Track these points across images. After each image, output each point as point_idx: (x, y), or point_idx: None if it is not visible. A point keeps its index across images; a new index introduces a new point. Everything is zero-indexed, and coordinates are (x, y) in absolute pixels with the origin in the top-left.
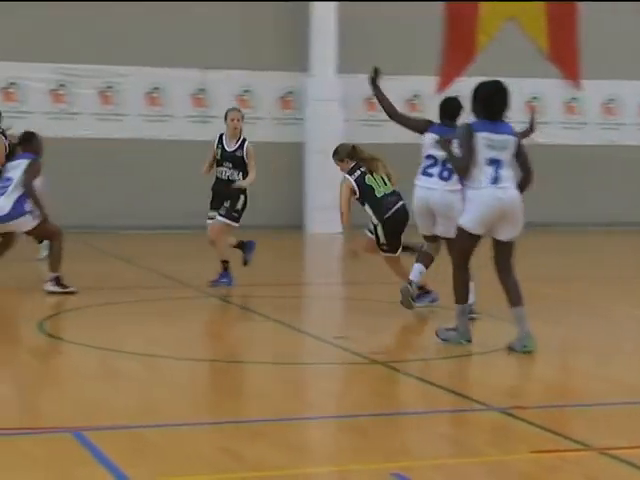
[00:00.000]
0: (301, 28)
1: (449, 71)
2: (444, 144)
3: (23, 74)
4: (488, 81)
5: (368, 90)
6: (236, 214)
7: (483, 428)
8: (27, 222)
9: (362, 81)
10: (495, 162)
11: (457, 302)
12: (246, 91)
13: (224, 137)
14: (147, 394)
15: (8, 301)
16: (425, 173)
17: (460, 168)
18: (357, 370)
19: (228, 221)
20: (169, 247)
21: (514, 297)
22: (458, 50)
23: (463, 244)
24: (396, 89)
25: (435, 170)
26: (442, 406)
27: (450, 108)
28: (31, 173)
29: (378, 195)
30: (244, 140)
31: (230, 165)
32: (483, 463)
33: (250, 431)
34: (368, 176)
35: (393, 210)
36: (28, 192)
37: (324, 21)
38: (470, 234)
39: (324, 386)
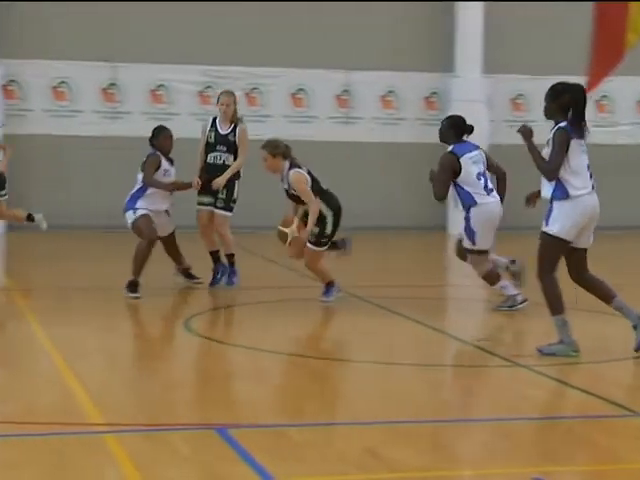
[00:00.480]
0: (446, 29)
1: (598, 71)
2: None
3: (171, 76)
4: (573, 84)
5: (513, 91)
6: (233, 204)
7: (630, 435)
8: (128, 218)
9: (507, 82)
10: (589, 167)
11: (554, 314)
12: (390, 92)
13: (217, 120)
14: (291, 393)
15: (157, 300)
16: (487, 189)
17: (549, 171)
18: (500, 373)
19: (228, 213)
20: None
21: (605, 292)
22: (607, 49)
23: (557, 252)
24: (541, 89)
25: (490, 184)
26: (587, 411)
27: (464, 125)
28: (147, 168)
29: (324, 187)
30: (237, 123)
31: (224, 149)
32: (627, 470)
33: (393, 432)
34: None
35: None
36: (150, 185)
37: (469, 22)
38: (566, 242)
39: (467, 388)
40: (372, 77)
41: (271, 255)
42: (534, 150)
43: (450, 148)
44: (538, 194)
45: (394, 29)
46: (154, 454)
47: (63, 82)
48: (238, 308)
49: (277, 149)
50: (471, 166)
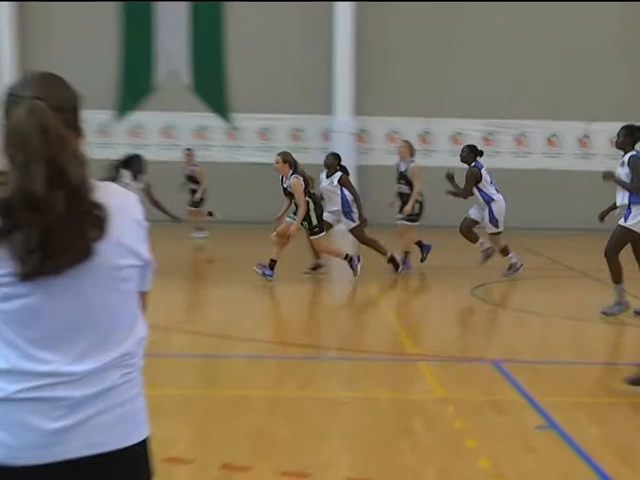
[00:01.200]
0: None
1: None
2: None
3: (465, 126)
4: None
5: None
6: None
7: None
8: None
9: None
10: None
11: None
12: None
13: (399, 162)
14: (544, 341)
15: (449, 272)
16: (496, 190)
17: (637, 188)
18: None
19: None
20: (565, 243)
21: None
22: None
23: (626, 241)
24: None
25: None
26: None
27: (477, 150)
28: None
29: (311, 190)
30: (409, 162)
31: (403, 182)
32: None
33: (616, 371)
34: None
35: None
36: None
37: None
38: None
39: None
40: (605, 126)
41: (535, 248)
42: (620, 181)
43: (473, 164)
44: (610, 208)
45: (628, 83)
46: (451, 376)
47: (394, 131)
48: (511, 282)
49: (287, 155)
50: (486, 175)
